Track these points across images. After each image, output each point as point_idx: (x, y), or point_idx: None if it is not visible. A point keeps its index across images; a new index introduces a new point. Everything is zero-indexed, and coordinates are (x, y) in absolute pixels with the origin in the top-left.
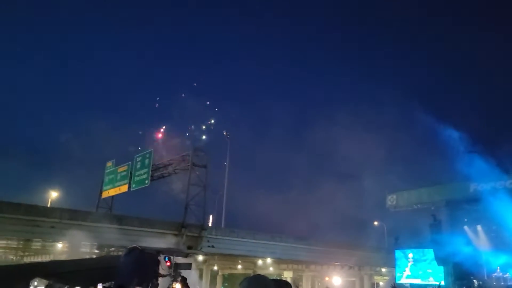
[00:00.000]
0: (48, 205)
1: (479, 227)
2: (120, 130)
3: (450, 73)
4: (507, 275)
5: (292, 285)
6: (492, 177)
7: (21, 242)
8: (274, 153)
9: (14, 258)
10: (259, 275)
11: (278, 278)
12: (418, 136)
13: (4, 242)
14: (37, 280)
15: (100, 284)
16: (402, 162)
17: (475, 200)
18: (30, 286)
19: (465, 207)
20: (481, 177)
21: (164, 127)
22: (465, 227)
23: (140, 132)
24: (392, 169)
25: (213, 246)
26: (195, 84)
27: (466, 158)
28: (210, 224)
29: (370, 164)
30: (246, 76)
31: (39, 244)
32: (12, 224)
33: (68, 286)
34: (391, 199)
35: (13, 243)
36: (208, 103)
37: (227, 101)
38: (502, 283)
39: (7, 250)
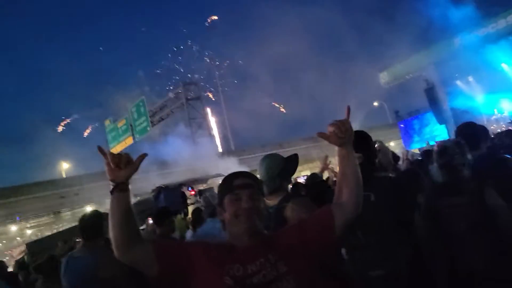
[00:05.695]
0: (64, 176)
1: (470, 78)
2: (108, 87)
3: None
4: (504, 114)
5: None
6: (472, 26)
7: (52, 216)
8: (263, 57)
9: (50, 232)
10: (272, 153)
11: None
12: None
13: (36, 220)
14: None
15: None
16: (387, 36)
17: (461, 54)
18: None
19: (453, 63)
20: (462, 29)
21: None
22: (458, 82)
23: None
24: (378, 48)
25: (229, 169)
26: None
27: (443, 13)
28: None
29: (358, 45)
30: None
31: (69, 213)
32: (38, 202)
33: None
34: (383, 77)
35: (45, 219)
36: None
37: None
38: (501, 123)
39: (42, 227)
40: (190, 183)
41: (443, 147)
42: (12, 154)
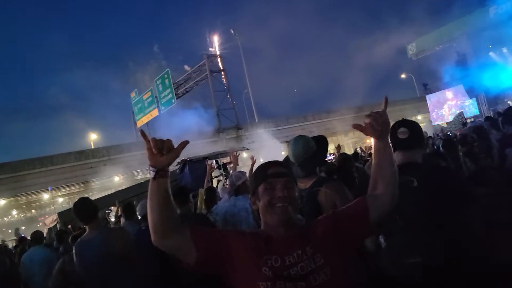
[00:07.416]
0: (92, 147)
1: (504, 50)
2: (134, 59)
3: None
4: None
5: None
6: None
7: (82, 185)
8: (285, 35)
9: None
10: (303, 135)
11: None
12: None
13: (67, 189)
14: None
15: None
16: (416, 5)
17: (496, 24)
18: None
19: (487, 34)
20: None
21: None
22: (491, 53)
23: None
24: (406, 17)
25: (253, 142)
26: None
27: None
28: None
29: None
30: None
31: (98, 182)
32: (68, 171)
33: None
34: (411, 48)
35: (75, 188)
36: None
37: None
38: None
39: (72, 196)
40: (214, 156)
41: (462, 135)
42: (43, 127)
